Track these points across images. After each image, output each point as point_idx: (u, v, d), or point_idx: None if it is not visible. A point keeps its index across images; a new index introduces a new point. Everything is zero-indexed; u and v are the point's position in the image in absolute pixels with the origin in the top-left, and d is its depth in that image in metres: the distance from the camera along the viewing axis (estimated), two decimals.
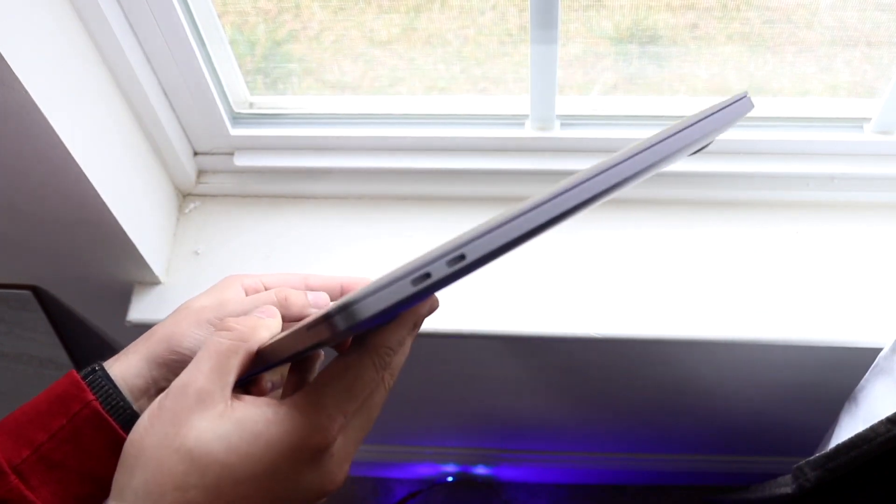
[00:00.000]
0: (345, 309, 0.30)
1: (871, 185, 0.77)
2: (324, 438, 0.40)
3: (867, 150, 0.75)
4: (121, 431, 0.49)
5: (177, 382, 0.42)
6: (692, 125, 0.37)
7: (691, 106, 0.76)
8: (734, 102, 0.40)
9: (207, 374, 0.41)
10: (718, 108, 0.39)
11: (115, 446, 0.48)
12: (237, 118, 0.79)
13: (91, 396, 0.48)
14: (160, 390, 0.50)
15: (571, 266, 0.75)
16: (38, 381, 0.96)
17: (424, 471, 1.31)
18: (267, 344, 0.43)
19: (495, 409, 1.02)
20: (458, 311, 0.74)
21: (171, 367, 0.50)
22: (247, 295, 0.54)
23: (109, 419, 0.48)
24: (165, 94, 0.73)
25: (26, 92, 0.55)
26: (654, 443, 1.12)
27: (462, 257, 0.30)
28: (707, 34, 0.71)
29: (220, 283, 0.55)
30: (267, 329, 0.45)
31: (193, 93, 0.73)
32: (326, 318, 0.31)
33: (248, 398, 0.42)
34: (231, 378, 0.42)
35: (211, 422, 0.40)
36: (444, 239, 0.32)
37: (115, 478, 0.42)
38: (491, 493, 1.31)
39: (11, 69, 0.53)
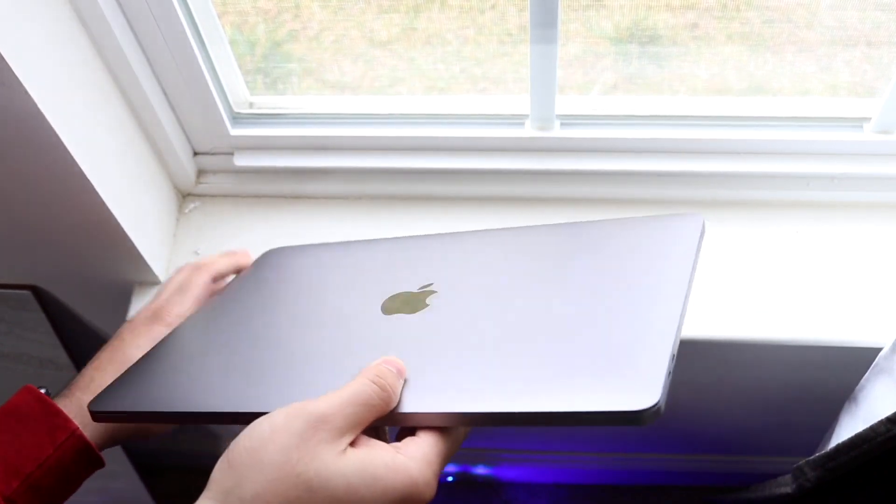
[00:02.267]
0: (647, 410, 0.38)
1: (871, 185, 0.77)
2: (431, 492, 0.43)
3: (867, 150, 0.75)
4: (97, 452, 0.55)
5: (314, 409, 0.43)
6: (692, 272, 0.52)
7: (691, 106, 0.76)
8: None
9: (347, 418, 0.43)
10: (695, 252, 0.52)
11: (92, 466, 0.55)
12: (237, 118, 0.79)
13: (74, 425, 0.54)
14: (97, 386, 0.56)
15: None
16: (38, 382, 0.95)
17: None
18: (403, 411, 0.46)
19: None
20: None
21: (113, 364, 0.58)
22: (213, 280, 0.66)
23: (92, 445, 0.54)
24: (165, 94, 0.73)
25: (27, 92, 0.55)
26: (654, 443, 1.12)
27: (673, 356, 0.42)
28: (707, 34, 0.71)
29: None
30: (399, 391, 0.47)
31: (193, 93, 0.73)
32: (638, 414, 0.38)
33: (365, 439, 0.44)
34: (362, 428, 0.44)
35: (335, 457, 0.42)
36: None
37: (215, 478, 0.42)
38: (491, 493, 1.31)
39: (12, 70, 0.53)
